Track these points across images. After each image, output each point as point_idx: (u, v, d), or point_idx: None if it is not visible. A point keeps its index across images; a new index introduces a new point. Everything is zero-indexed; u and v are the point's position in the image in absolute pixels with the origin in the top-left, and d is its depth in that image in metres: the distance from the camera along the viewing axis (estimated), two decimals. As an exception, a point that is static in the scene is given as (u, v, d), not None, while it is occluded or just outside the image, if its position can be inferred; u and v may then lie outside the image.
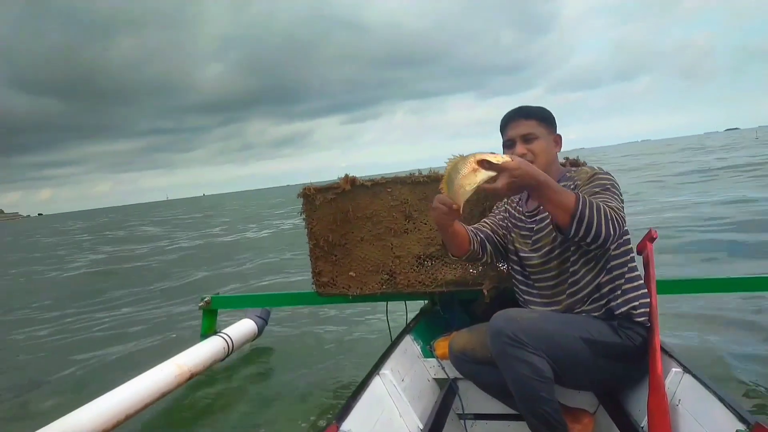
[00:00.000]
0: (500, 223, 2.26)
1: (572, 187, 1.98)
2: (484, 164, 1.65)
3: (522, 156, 1.95)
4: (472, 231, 2.20)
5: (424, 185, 2.73)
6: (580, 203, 1.70)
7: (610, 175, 1.95)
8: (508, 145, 2.06)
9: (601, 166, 2.06)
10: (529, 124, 2.03)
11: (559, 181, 2.01)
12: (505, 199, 2.30)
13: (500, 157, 1.67)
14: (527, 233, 2.12)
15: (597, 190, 1.88)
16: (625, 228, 1.94)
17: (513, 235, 2.20)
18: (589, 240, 1.72)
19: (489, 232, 2.23)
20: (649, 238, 2.25)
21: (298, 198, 2.87)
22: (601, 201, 1.78)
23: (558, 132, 2.13)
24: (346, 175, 2.79)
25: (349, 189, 2.79)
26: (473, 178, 1.67)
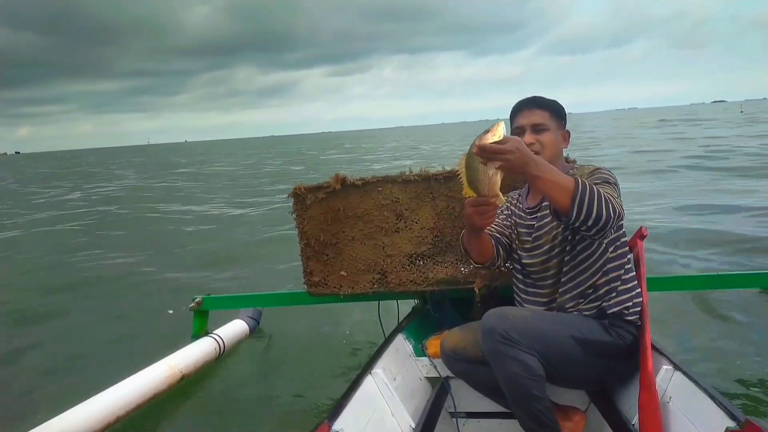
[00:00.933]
0: (505, 222, 2.26)
1: None
2: (486, 154, 1.62)
3: (529, 146, 1.91)
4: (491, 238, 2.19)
5: (415, 184, 2.73)
6: (579, 185, 1.69)
7: (611, 172, 1.96)
8: (517, 133, 2.06)
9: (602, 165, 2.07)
10: (542, 115, 2.05)
11: None
12: (508, 199, 2.30)
13: (499, 131, 1.64)
14: (527, 230, 2.12)
15: (598, 182, 1.89)
16: (622, 223, 1.95)
17: (519, 230, 2.20)
18: (590, 223, 1.70)
19: (498, 235, 2.23)
20: (640, 235, 2.26)
21: (288, 198, 2.86)
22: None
23: (567, 130, 2.15)
24: (337, 175, 2.79)
25: (340, 188, 2.78)
26: (495, 179, 1.66)
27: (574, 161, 2.48)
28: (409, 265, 2.80)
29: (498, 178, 1.67)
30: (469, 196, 1.74)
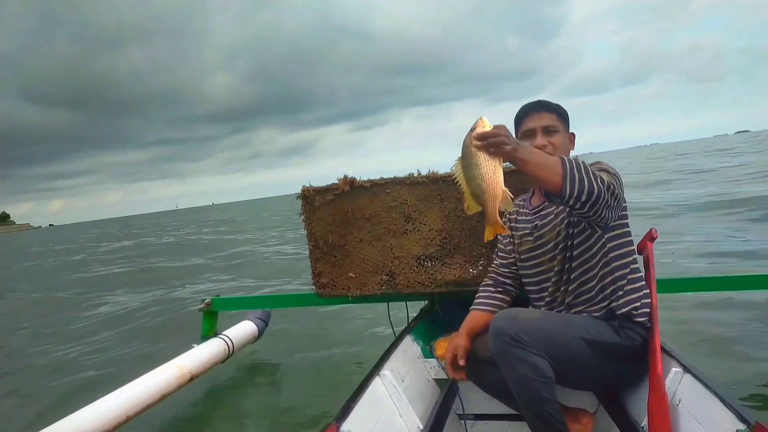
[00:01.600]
0: (509, 247, 2.28)
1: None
2: (488, 140, 1.62)
3: (542, 148, 1.98)
4: (499, 298, 2.25)
5: (423, 186, 2.73)
6: (566, 162, 1.69)
7: (613, 167, 1.96)
8: (527, 135, 2.08)
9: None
10: (550, 117, 2.07)
11: None
12: (506, 213, 2.29)
13: (487, 123, 1.66)
14: (530, 230, 2.12)
15: (596, 170, 1.90)
16: (625, 213, 1.98)
17: (517, 241, 2.20)
18: (583, 198, 1.69)
19: (509, 274, 2.28)
20: (650, 237, 2.25)
21: (297, 199, 2.87)
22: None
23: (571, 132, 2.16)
24: (345, 176, 2.79)
25: (348, 190, 2.79)
26: (497, 174, 1.65)
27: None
28: (417, 267, 2.80)
29: (500, 173, 1.66)
30: (472, 210, 1.73)
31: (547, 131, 2.05)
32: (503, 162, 1.69)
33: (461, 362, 2.06)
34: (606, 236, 1.95)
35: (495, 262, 2.35)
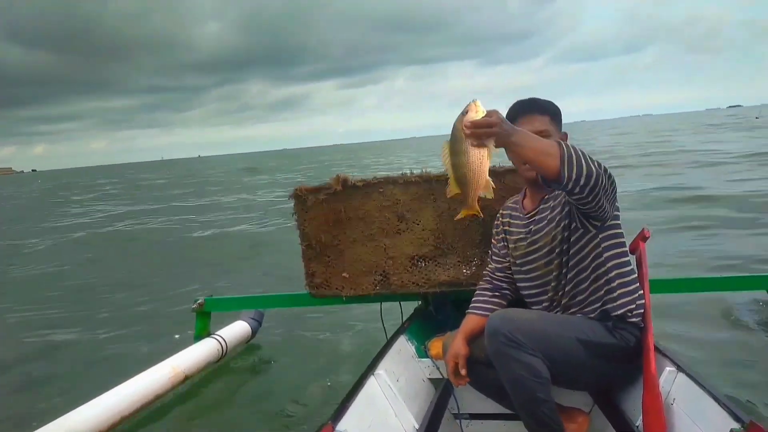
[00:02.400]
0: (502, 252, 2.27)
1: (551, 199, 2.01)
2: (479, 130, 1.58)
3: None
4: (495, 302, 2.22)
5: (416, 185, 2.72)
6: (563, 145, 1.67)
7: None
8: None
9: None
10: (543, 120, 2.02)
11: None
12: (500, 217, 2.29)
13: (480, 108, 1.60)
14: (524, 236, 2.11)
15: None
16: (617, 214, 1.96)
17: (512, 245, 2.19)
18: (582, 182, 1.66)
19: (505, 278, 2.26)
20: (642, 237, 2.25)
21: (289, 199, 2.86)
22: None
23: (563, 131, 2.11)
24: (338, 176, 2.79)
25: (341, 190, 2.78)
26: (484, 163, 1.62)
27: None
28: (411, 267, 2.79)
29: (487, 163, 1.63)
30: (455, 193, 1.71)
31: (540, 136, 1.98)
32: (496, 149, 1.65)
33: (462, 372, 2.04)
34: (600, 236, 1.95)
35: (490, 266, 2.33)
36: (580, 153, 1.67)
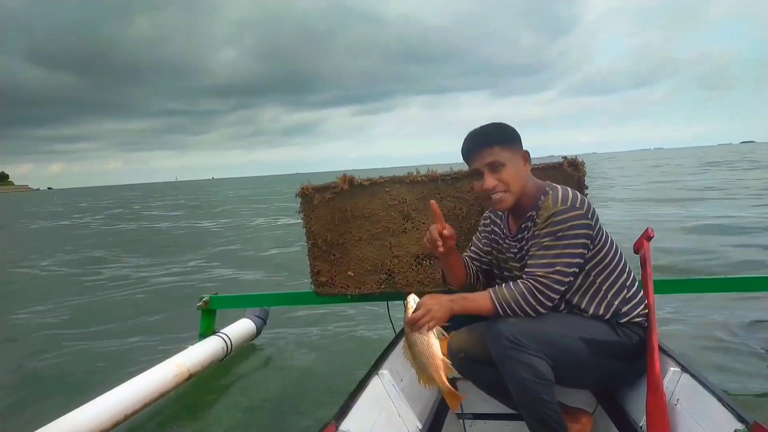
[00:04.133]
0: (485, 249, 2.26)
1: (531, 227, 1.95)
2: (414, 325, 1.81)
3: (493, 188, 1.93)
4: (468, 261, 2.26)
5: (422, 185, 2.73)
6: (497, 307, 1.87)
7: (572, 211, 1.87)
8: (476, 175, 1.98)
9: (570, 192, 1.93)
10: (492, 152, 1.93)
11: (529, 210, 1.98)
12: (489, 220, 2.26)
13: (410, 304, 1.87)
14: (514, 255, 2.07)
15: (546, 241, 1.87)
16: (599, 239, 1.93)
17: (500, 256, 2.17)
18: (522, 315, 1.87)
19: (479, 263, 2.28)
20: (646, 237, 2.24)
21: (296, 197, 2.86)
22: (541, 264, 1.86)
23: (524, 149, 2.00)
24: (344, 175, 2.79)
25: (347, 188, 2.79)
26: (433, 347, 1.81)
27: (582, 163, 2.46)
28: (416, 266, 2.80)
29: (435, 345, 1.81)
30: (425, 383, 1.86)
31: (493, 168, 1.93)
32: (442, 324, 1.85)
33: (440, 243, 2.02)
34: (587, 267, 1.93)
35: (465, 253, 2.30)
36: (515, 308, 1.85)
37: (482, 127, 2.00)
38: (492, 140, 1.94)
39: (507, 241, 2.10)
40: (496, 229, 2.19)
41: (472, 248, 2.31)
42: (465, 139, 2.00)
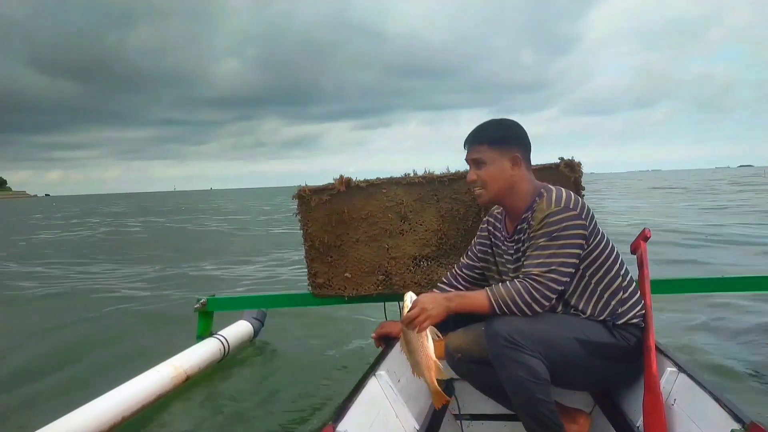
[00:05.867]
0: (479, 255, 2.27)
1: (526, 228, 1.96)
2: (411, 323, 1.84)
3: (472, 182, 2.04)
4: (453, 281, 2.32)
5: (419, 186, 2.73)
6: (493, 305, 1.88)
7: (566, 211, 1.88)
8: (468, 165, 2.10)
9: (565, 192, 1.94)
10: (479, 150, 2.02)
11: (524, 212, 1.99)
12: (487, 223, 2.27)
13: (407, 302, 1.87)
14: (511, 256, 2.08)
15: (541, 242, 1.89)
16: (597, 239, 1.95)
17: (498, 259, 2.17)
18: (519, 313, 1.87)
19: (469, 274, 2.29)
20: (643, 237, 2.24)
21: (293, 199, 2.86)
22: (536, 264, 1.87)
23: (517, 152, 2.00)
24: (341, 176, 2.79)
25: (344, 190, 2.79)
26: (426, 347, 1.84)
27: (579, 164, 2.47)
28: (413, 267, 2.80)
29: (427, 345, 1.85)
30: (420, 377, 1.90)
31: (476, 164, 2.04)
32: (439, 321, 1.87)
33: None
34: (581, 267, 1.94)
35: (462, 260, 2.33)
36: (512, 306, 1.86)
37: (486, 123, 2.09)
38: (484, 138, 2.03)
39: (506, 242, 2.12)
40: (495, 232, 2.20)
41: (468, 253, 2.32)
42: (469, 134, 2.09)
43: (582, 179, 2.54)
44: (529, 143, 2.08)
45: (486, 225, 2.28)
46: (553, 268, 1.86)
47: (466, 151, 2.09)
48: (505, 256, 2.11)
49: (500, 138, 2.02)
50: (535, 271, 1.87)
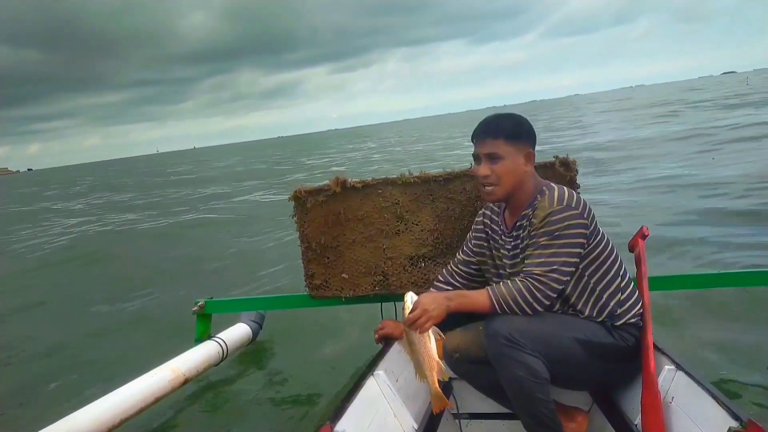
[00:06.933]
0: (475, 249, 2.27)
1: (527, 225, 1.96)
2: (413, 325, 1.84)
3: (485, 177, 1.97)
4: (450, 279, 2.35)
5: (415, 186, 2.73)
6: (495, 305, 1.89)
7: (568, 210, 1.88)
8: (476, 159, 2.03)
9: (567, 191, 1.94)
10: (495, 144, 1.96)
11: (524, 209, 1.99)
12: (483, 216, 2.27)
13: (407, 304, 1.87)
14: (509, 251, 2.08)
15: (543, 241, 1.88)
16: (596, 238, 1.95)
17: (495, 253, 2.17)
18: (520, 312, 1.88)
19: (466, 271, 2.30)
20: (641, 235, 2.25)
21: (288, 201, 2.86)
22: (538, 263, 1.87)
23: (530, 148, 2.00)
24: (336, 178, 2.79)
25: (340, 191, 2.79)
26: (428, 348, 1.85)
27: (574, 161, 2.46)
28: (410, 267, 2.80)
29: (429, 346, 1.85)
30: (422, 379, 1.91)
31: (491, 159, 1.97)
32: (442, 318, 1.87)
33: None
34: (580, 267, 1.94)
35: (458, 256, 2.34)
36: (513, 306, 1.87)
37: (498, 117, 2.04)
38: (499, 132, 1.97)
39: (503, 237, 2.11)
40: (493, 225, 2.19)
41: (464, 248, 2.31)
42: (479, 122, 2.04)
43: (577, 177, 2.53)
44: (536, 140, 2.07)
45: (482, 218, 2.27)
46: (554, 267, 1.86)
47: (476, 144, 2.01)
48: (503, 251, 2.11)
49: (515, 133, 1.99)
50: (537, 270, 1.87)
